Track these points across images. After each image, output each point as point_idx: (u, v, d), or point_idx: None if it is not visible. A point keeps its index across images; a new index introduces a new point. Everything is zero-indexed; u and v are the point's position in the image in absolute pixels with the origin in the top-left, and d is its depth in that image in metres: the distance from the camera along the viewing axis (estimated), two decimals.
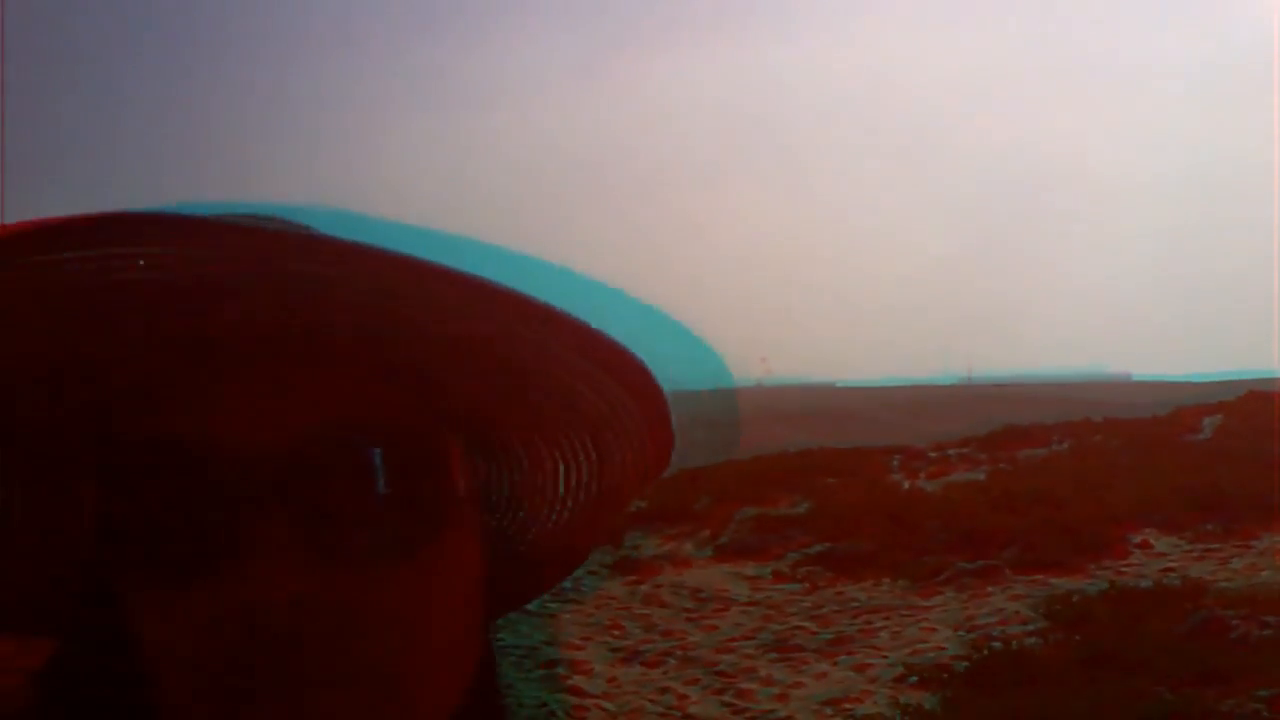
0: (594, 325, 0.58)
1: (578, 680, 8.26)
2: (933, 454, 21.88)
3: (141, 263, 0.50)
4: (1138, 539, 11.69)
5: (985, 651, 8.10)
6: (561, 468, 0.69)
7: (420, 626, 0.59)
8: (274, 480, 0.55)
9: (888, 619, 9.64)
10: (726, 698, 7.83)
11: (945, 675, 7.76)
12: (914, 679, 7.84)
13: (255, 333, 0.56)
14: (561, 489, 0.71)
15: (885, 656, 8.51)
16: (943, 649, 8.47)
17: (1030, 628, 8.76)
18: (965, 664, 7.90)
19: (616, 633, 9.75)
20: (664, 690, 8.05)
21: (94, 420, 0.58)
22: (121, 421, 0.57)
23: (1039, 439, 22.90)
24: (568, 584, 9.58)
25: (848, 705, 7.45)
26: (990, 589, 10.21)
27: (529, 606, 0.79)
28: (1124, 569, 10.52)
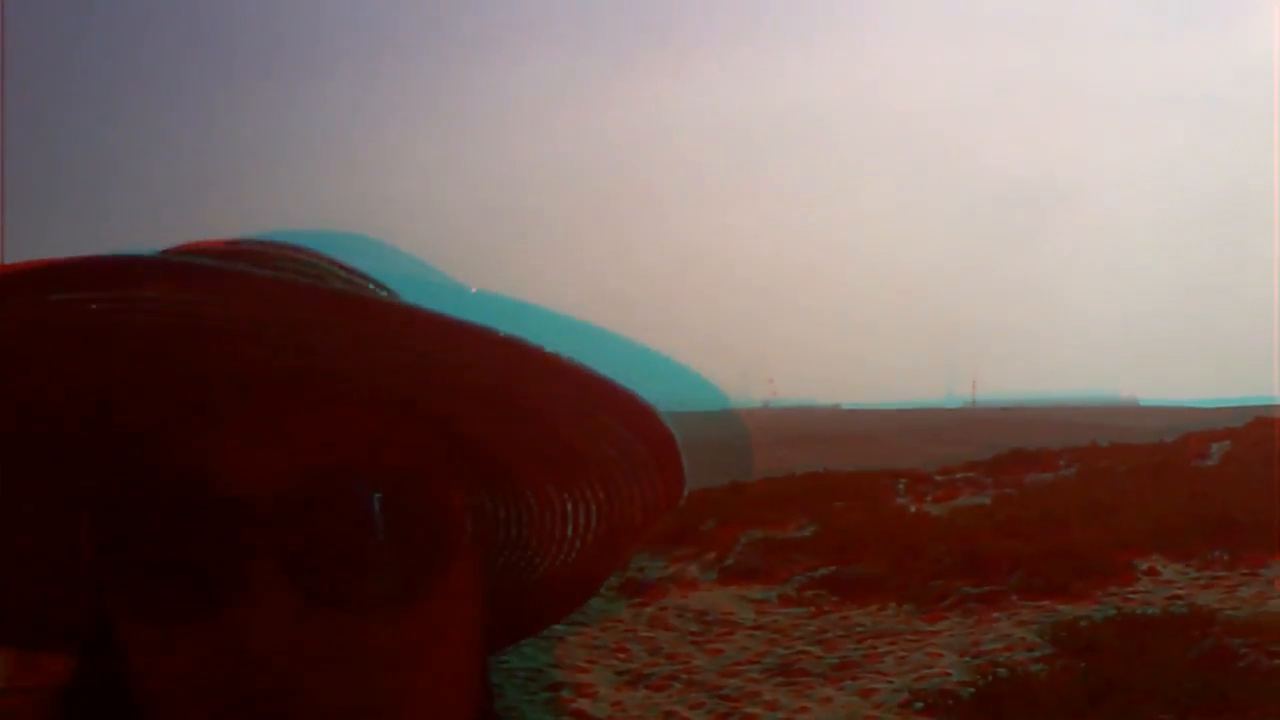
0: (599, 369, 0.58)
1: (582, 704, 8.24)
2: (939, 478, 21.85)
3: (146, 305, 0.51)
4: (1145, 565, 11.65)
5: (991, 678, 8.07)
6: (569, 508, 0.70)
7: (417, 669, 0.59)
8: (271, 523, 0.55)
9: (893, 644, 9.61)
10: None
11: (951, 701, 7.73)
12: (919, 705, 7.81)
13: (257, 375, 0.57)
14: (570, 529, 0.71)
15: (890, 682, 8.48)
16: (948, 675, 8.44)
17: (1036, 654, 8.73)
18: (971, 690, 7.86)
19: (622, 656, 9.73)
20: (669, 714, 8.02)
21: (97, 453, 0.59)
22: (124, 456, 0.58)
23: (1045, 463, 22.86)
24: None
25: None
26: (996, 615, 10.17)
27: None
28: (1131, 595, 10.48)
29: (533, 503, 0.70)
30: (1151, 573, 11.44)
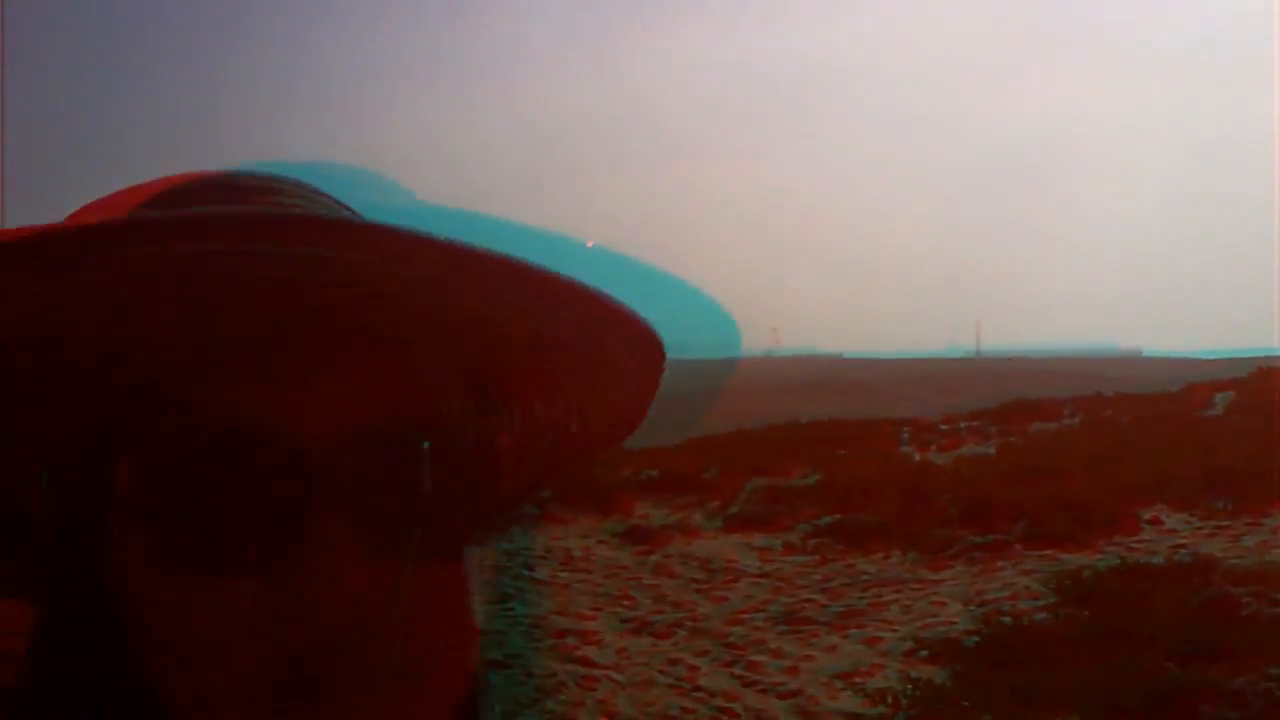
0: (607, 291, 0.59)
1: (587, 651, 8.29)
2: (943, 427, 21.92)
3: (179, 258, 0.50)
4: (1148, 515, 11.70)
5: (995, 626, 8.12)
6: (554, 405, 0.70)
7: (453, 622, 0.59)
8: (327, 472, 0.54)
9: (898, 592, 9.66)
10: (736, 670, 7.86)
11: (955, 649, 7.78)
12: (924, 653, 7.86)
13: (309, 323, 0.55)
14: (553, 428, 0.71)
15: (895, 630, 8.54)
16: (953, 623, 8.49)
17: (1040, 603, 8.77)
18: (975, 639, 7.92)
19: (627, 603, 9.79)
20: (674, 661, 8.08)
21: (140, 401, 0.57)
22: (170, 404, 0.56)
23: (1050, 413, 22.92)
24: (577, 552, 9.56)
25: (858, 679, 7.47)
26: (1000, 563, 10.22)
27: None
28: (1134, 545, 10.53)
29: (527, 407, 0.71)
30: (1155, 522, 11.49)
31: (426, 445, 0.57)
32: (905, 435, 20.95)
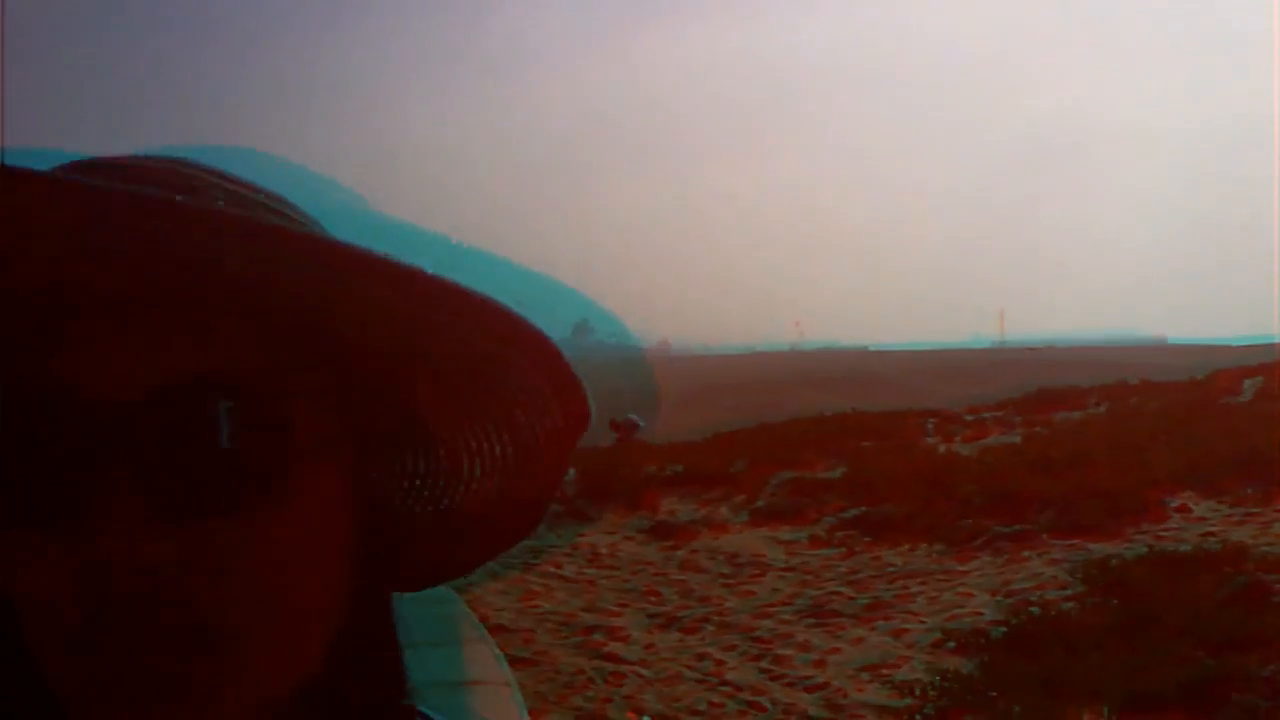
0: (492, 296, 0.58)
1: (615, 647, 8.32)
2: (968, 417, 21.81)
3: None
4: (1176, 503, 11.62)
5: (1022, 616, 8.10)
6: (473, 442, 0.70)
7: (263, 589, 0.58)
8: (122, 430, 0.55)
9: (924, 584, 9.65)
10: (764, 664, 7.87)
11: (982, 640, 7.77)
12: (951, 644, 7.85)
13: (111, 287, 0.56)
14: (473, 465, 0.71)
15: (922, 622, 8.52)
16: (980, 614, 8.47)
17: (1068, 592, 8.74)
18: (1003, 629, 7.89)
19: (654, 599, 9.81)
20: (701, 656, 8.09)
21: None
22: None
23: (1075, 402, 22.78)
24: (604, 548, 9.55)
25: (885, 671, 7.47)
26: (1027, 553, 10.18)
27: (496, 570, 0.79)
28: (1162, 533, 10.46)
29: (433, 433, 0.70)
30: (1183, 510, 11.41)
31: (226, 406, 0.58)
32: (930, 426, 20.88)
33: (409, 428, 0.70)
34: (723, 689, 7.40)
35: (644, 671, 7.72)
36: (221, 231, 0.54)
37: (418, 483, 0.74)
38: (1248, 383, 23.07)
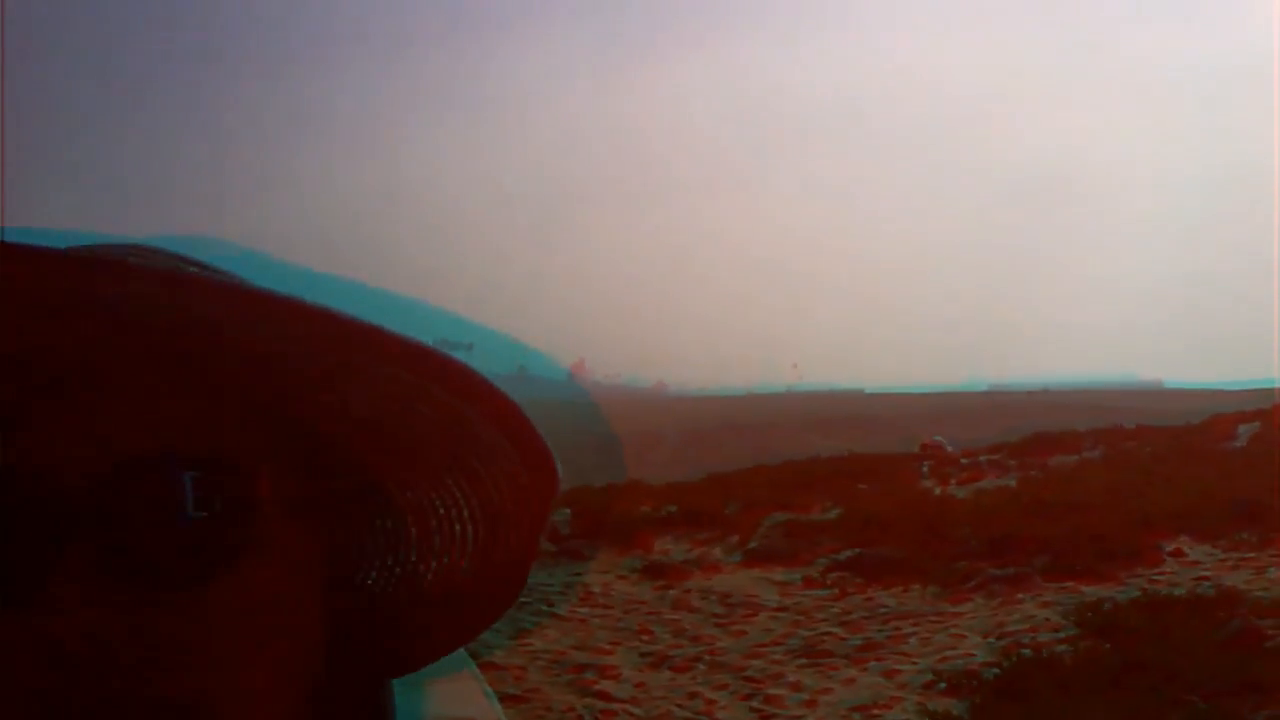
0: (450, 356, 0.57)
1: (606, 685, 8.27)
2: (963, 460, 21.79)
3: None
4: (1171, 547, 11.60)
5: (1015, 659, 8.06)
6: (440, 510, 0.67)
7: (230, 661, 0.57)
8: (77, 507, 0.54)
9: (917, 625, 9.61)
10: (755, 703, 7.83)
11: (974, 682, 7.73)
12: (943, 686, 7.81)
13: (69, 356, 0.55)
14: (444, 534, 0.69)
15: (914, 663, 8.48)
16: (972, 656, 8.44)
17: (1061, 635, 8.71)
18: (995, 671, 7.86)
19: (646, 638, 9.76)
20: (693, 695, 8.05)
21: None
22: None
23: (1070, 446, 22.75)
24: (596, 587, 9.48)
25: (876, 712, 7.43)
26: (1021, 596, 10.15)
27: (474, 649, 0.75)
28: (1157, 577, 10.44)
29: (399, 506, 0.68)
30: (1178, 554, 11.39)
31: (190, 473, 0.56)
32: (925, 469, 20.86)
33: (377, 496, 0.68)
34: None
35: (635, 710, 7.68)
36: (181, 293, 0.53)
37: (389, 560, 0.71)
38: (1243, 428, 23.05)
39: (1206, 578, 10.14)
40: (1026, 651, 8.26)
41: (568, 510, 15.59)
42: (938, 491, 17.72)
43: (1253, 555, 10.95)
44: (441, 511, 0.67)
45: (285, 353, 0.57)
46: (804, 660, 8.84)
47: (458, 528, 0.67)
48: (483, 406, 0.59)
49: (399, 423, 0.62)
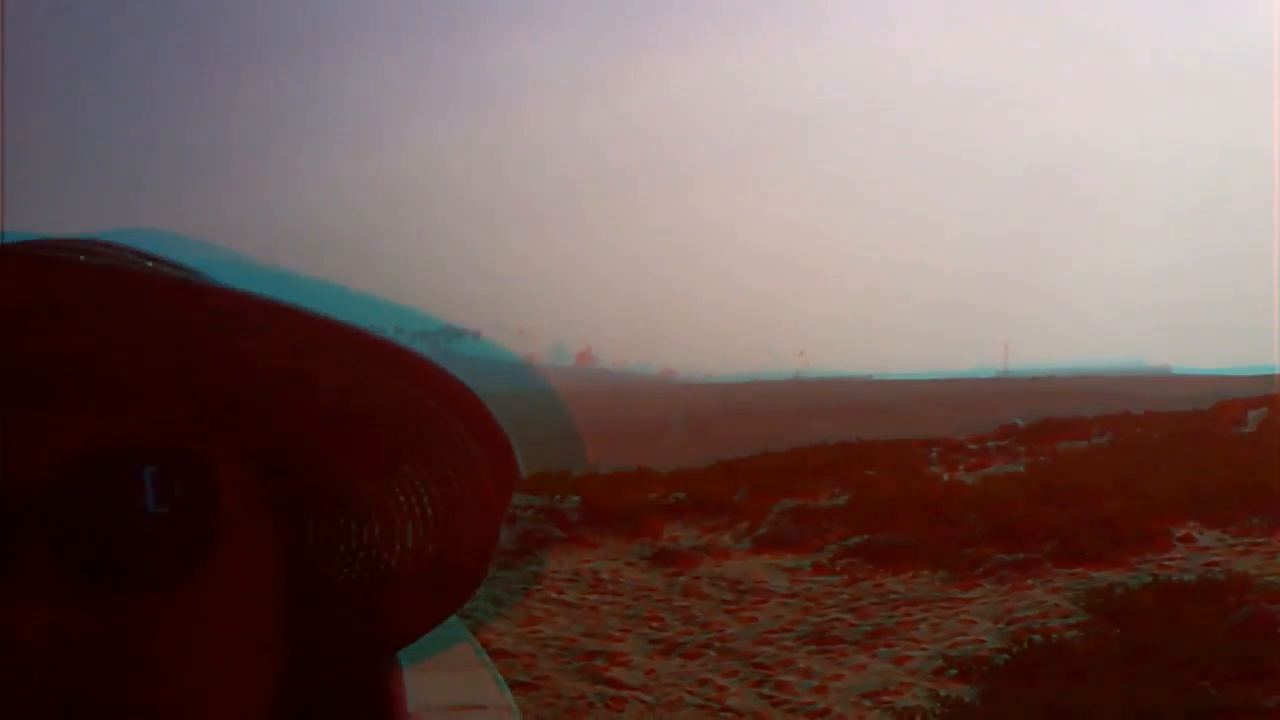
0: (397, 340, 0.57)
1: (616, 672, 8.29)
2: (971, 446, 21.76)
3: None
4: (1180, 532, 11.58)
5: (1025, 644, 8.06)
6: (401, 499, 0.67)
7: (191, 665, 0.56)
8: (35, 510, 0.53)
9: (927, 611, 9.61)
10: (765, 690, 7.84)
11: (985, 668, 7.73)
12: (953, 671, 7.81)
13: (27, 356, 0.55)
14: (404, 525, 0.68)
15: (924, 649, 8.49)
16: (982, 641, 8.44)
17: (1071, 621, 8.71)
18: (1005, 657, 7.86)
19: (655, 624, 9.78)
20: (703, 682, 8.06)
21: None
22: None
23: (1078, 432, 22.72)
24: (606, 575, 9.51)
25: (887, 698, 7.44)
26: (1030, 582, 10.15)
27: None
28: (1167, 562, 10.43)
29: (358, 492, 0.68)
30: (1188, 539, 11.38)
31: (150, 471, 0.56)
32: (934, 455, 20.84)
33: (339, 488, 0.68)
34: (724, 715, 7.37)
35: (645, 697, 7.69)
36: (144, 291, 0.53)
37: (352, 549, 0.70)
38: (1252, 414, 23.01)
39: (1217, 563, 10.13)
40: (1036, 637, 8.26)
41: (576, 497, 15.62)
42: (946, 478, 17.71)
43: (1263, 541, 10.93)
44: (402, 499, 0.67)
45: (245, 349, 0.56)
46: (814, 646, 8.85)
47: (418, 514, 0.67)
48: (444, 398, 0.59)
49: (360, 416, 0.62)
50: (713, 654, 8.80)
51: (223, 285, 0.54)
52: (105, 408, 0.56)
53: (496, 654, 8.52)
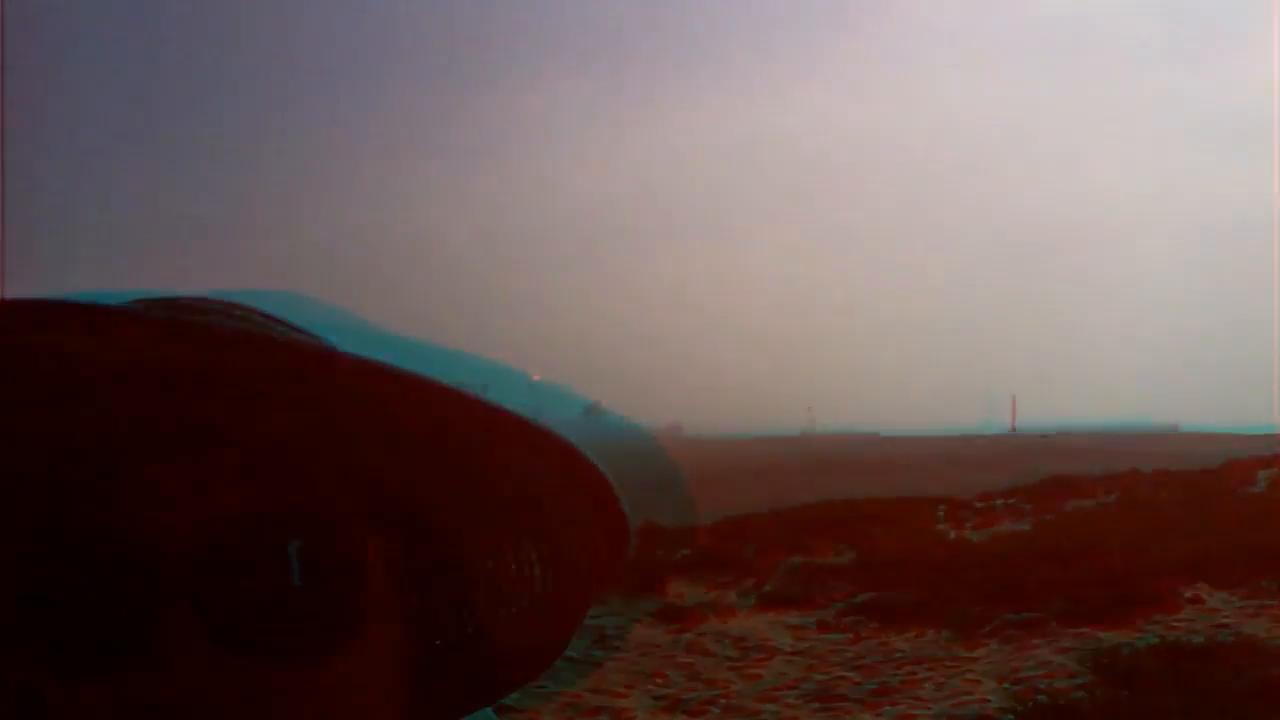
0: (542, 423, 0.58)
1: None
2: (979, 504, 21.71)
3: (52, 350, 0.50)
4: (1189, 593, 11.50)
5: (1030, 705, 8.00)
6: (513, 566, 0.69)
7: None
8: (184, 574, 0.54)
9: (932, 670, 9.54)
10: None
11: None
12: None
13: (173, 425, 0.56)
14: (514, 585, 0.70)
15: (929, 708, 8.42)
16: (987, 701, 8.37)
17: (1077, 681, 8.64)
18: (1010, 717, 7.80)
19: (660, 681, 9.71)
20: None
21: (14, 508, 0.56)
22: (25, 510, 0.55)
23: (1086, 490, 22.65)
24: (611, 630, 9.43)
25: None
26: (1036, 641, 10.08)
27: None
28: (1175, 623, 10.35)
29: (473, 558, 0.70)
30: (1196, 600, 11.30)
31: (299, 541, 0.57)
32: (941, 513, 20.77)
33: (458, 558, 0.69)
34: None
35: None
36: (290, 359, 0.54)
37: (458, 615, 0.72)
38: (1262, 473, 22.93)
39: (1226, 625, 10.05)
40: (1042, 697, 8.19)
41: None
42: (953, 535, 17.63)
43: (1272, 603, 10.84)
44: (514, 569, 0.69)
45: (387, 421, 0.57)
46: (818, 705, 8.79)
47: (529, 589, 0.70)
48: (571, 477, 0.61)
49: (490, 495, 0.64)
50: (717, 711, 8.75)
51: (351, 353, 0.55)
52: (254, 474, 0.57)
53: (500, 709, 8.46)
